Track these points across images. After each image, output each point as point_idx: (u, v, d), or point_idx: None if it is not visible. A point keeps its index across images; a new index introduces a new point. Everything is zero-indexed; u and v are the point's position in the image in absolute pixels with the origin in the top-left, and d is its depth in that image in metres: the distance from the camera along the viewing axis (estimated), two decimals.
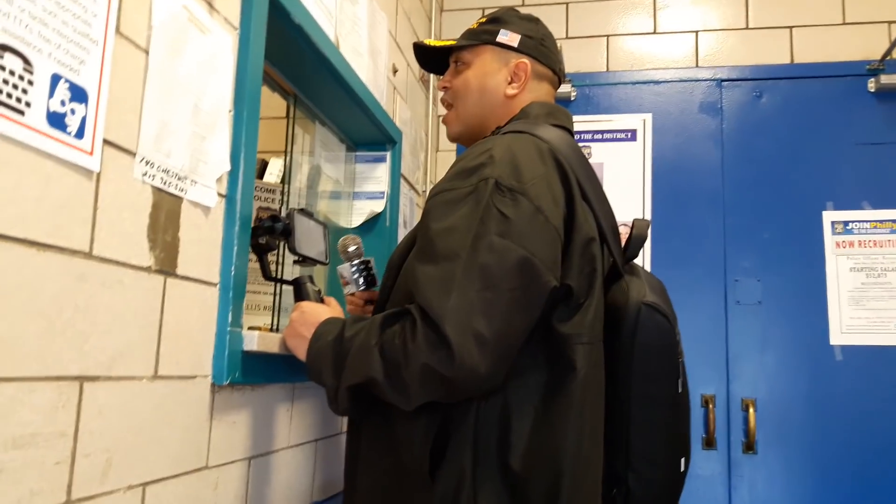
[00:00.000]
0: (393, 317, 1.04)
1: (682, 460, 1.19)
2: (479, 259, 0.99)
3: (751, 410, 2.33)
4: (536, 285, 1.00)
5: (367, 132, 2.00)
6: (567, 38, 2.70)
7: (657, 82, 2.61)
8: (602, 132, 2.62)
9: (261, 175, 2.36)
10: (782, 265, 2.42)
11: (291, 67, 1.60)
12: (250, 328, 1.47)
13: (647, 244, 2.51)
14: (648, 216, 2.53)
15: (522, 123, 1.20)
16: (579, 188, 1.12)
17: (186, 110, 1.08)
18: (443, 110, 1.40)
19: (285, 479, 1.43)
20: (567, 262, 1.06)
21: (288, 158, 1.80)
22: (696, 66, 2.60)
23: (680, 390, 1.16)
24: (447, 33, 2.79)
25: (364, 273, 1.37)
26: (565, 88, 2.61)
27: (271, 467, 1.37)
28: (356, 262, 1.38)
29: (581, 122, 2.63)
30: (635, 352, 1.11)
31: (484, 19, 1.33)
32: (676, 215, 2.52)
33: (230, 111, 1.21)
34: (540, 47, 1.29)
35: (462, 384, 0.96)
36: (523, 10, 1.36)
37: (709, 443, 2.36)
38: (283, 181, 2.02)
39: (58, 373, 0.83)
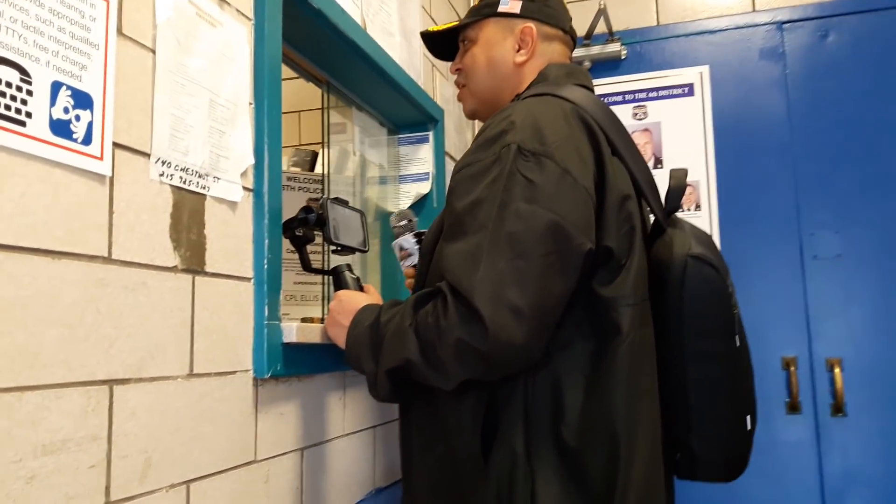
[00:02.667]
0: (425, 297, 1.02)
1: (748, 418, 1.13)
2: (507, 227, 0.95)
3: (836, 371, 2.20)
4: (570, 249, 0.96)
5: (406, 114, 1.97)
6: None
7: (712, 32, 2.47)
8: (657, 89, 2.50)
9: (312, 167, 2.37)
10: (862, 215, 2.26)
11: (319, 54, 1.58)
12: (303, 319, 1.49)
13: (714, 201, 2.40)
14: (712, 172, 2.41)
15: (543, 86, 1.15)
16: (609, 145, 1.07)
17: (202, 106, 1.07)
18: None
19: (343, 468, 1.43)
20: (603, 223, 1.02)
21: (325, 146, 1.79)
22: (753, 10, 2.45)
23: (738, 344, 1.09)
24: None
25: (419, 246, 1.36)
26: (614, 48, 2.50)
27: (326, 456, 1.37)
28: (414, 232, 1.36)
29: (634, 81, 2.53)
30: (685, 307, 1.06)
31: None
32: (743, 169, 2.39)
33: (251, 104, 1.20)
34: (544, 8, 1.25)
35: (499, 358, 0.93)
36: None
37: (793, 407, 2.24)
38: (319, 170, 2.02)
39: (84, 378, 0.84)
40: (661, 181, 2.39)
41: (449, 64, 1.36)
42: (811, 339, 2.26)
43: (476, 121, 2.61)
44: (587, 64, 2.54)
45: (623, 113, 2.52)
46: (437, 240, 1.11)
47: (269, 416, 1.19)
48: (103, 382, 0.86)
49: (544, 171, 0.98)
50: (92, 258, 0.86)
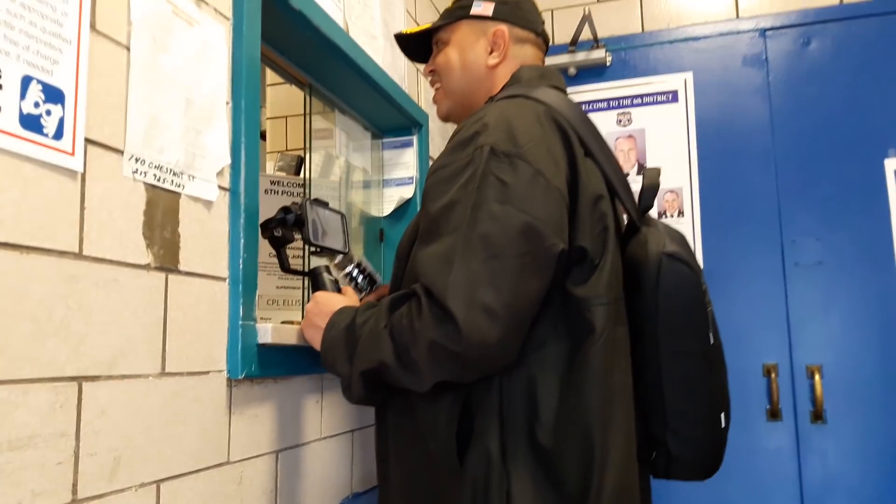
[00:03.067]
0: (400, 299, 1.02)
1: (722, 416, 1.13)
2: (480, 229, 0.95)
3: (817, 377, 2.20)
4: (543, 250, 0.96)
5: (390, 118, 1.97)
6: (599, 1, 2.60)
7: (696, 38, 2.49)
8: (641, 96, 2.52)
9: (297, 171, 2.37)
10: (843, 222, 2.27)
11: (301, 56, 1.58)
12: (283, 322, 1.48)
13: (697, 207, 2.41)
14: (696, 179, 2.42)
15: (516, 88, 1.16)
16: (582, 146, 1.08)
17: (178, 105, 1.07)
18: None
19: (319, 471, 1.43)
20: (576, 223, 1.02)
21: (308, 149, 1.79)
22: (737, 17, 2.47)
23: (712, 342, 1.10)
24: None
25: (361, 276, 1.35)
26: (599, 54, 2.52)
27: (302, 460, 1.37)
28: (348, 270, 1.35)
29: (619, 88, 2.54)
30: (660, 305, 1.07)
31: None
32: (725, 175, 2.40)
33: (228, 103, 1.20)
34: (516, 11, 1.26)
35: (473, 358, 0.93)
36: None
37: (773, 414, 2.24)
38: (301, 173, 2.02)
39: (53, 374, 0.83)
40: None
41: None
42: (792, 345, 2.26)
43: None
44: (572, 70, 2.55)
45: (607, 119, 2.54)
46: (413, 243, 1.11)
47: (243, 417, 1.19)
48: (72, 379, 0.86)
49: (517, 172, 0.98)
50: (62, 254, 0.85)
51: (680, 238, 1.13)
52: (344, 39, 1.59)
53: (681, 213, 2.42)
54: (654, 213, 2.44)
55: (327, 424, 1.47)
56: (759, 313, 2.31)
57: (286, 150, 2.67)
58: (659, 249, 1.07)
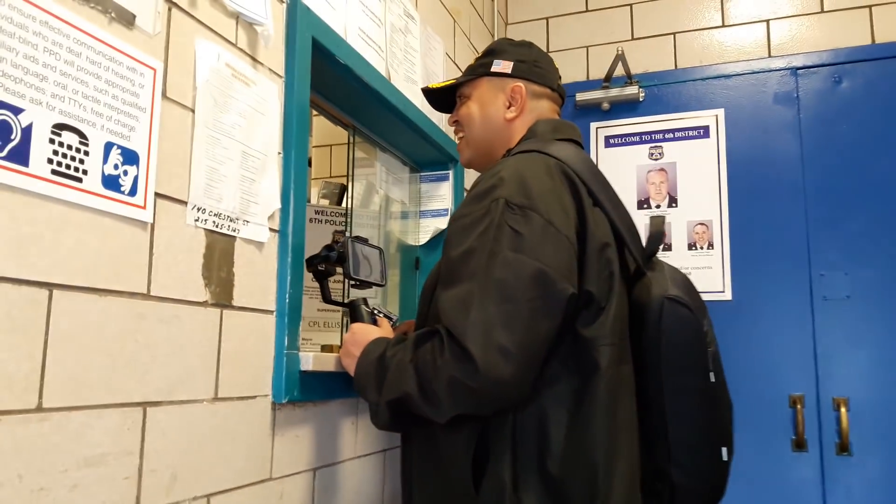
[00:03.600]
0: (425, 336, 1.12)
1: (724, 450, 1.20)
2: (495, 275, 1.05)
3: (843, 410, 2.24)
4: (553, 294, 1.05)
5: (427, 154, 2.09)
6: (633, 39, 2.69)
7: (728, 76, 2.55)
8: (673, 131, 2.59)
9: (340, 199, 2.50)
10: (871, 257, 2.31)
11: (346, 103, 1.70)
12: (323, 347, 1.60)
13: (727, 241, 2.47)
14: (726, 212, 2.48)
15: (531, 143, 1.26)
16: (591, 196, 1.17)
17: (235, 157, 1.20)
18: None
19: (354, 488, 1.54)
20: (584, 269, 1.11)
21: (350, 184, 1.92)
22: (769, 55, 2.53)
23: (713, 380, 1.17)
24: None
25: (379, 314, 1.43)
26: (632, 90, 2.60)
27: (338, 477, 1.48)
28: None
29: (651, 123, 2.62)
30: (662, 345, 1.16)
31: (481, 54, 1.41)
32: (755, 210, 2.46)
33: (279, 153, 1.32)
34: (534, 69, 1.36)
35: (488, 393, 1.02)
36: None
37: (799, 444, 2.28)
38: (343, 204, 2.15)
39: (122, 400, 0.96)
40: (676, 220, 2.48)
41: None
42: (818, 378, 2.30)
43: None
44: (606, 105, 2.64)
45: (640, 152, 2.62)
46: (436, 284, 1.21)
47: (285, 437, 1.30)
48: (138, 405, 0.98)
49: (530, 222, 1.08)
50: (133, 295, 0.98)
51: (683, 282, 1.21)
52: (385, 87, 1.71)
53: (710, 246, 2.48)
54: (684, 243, 2.51)
55: (362, 444, 1.58)
56: (786, 345, 2.35)
57: (330, 176, 2.82)
58: (661, 293, 1.16)
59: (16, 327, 0.82)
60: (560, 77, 1.41)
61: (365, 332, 1.30)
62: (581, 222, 1.13)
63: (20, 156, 0.83)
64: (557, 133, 1.31)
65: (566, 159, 1.19)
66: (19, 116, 0.83)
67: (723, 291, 2.45)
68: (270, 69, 1.31)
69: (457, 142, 1.45)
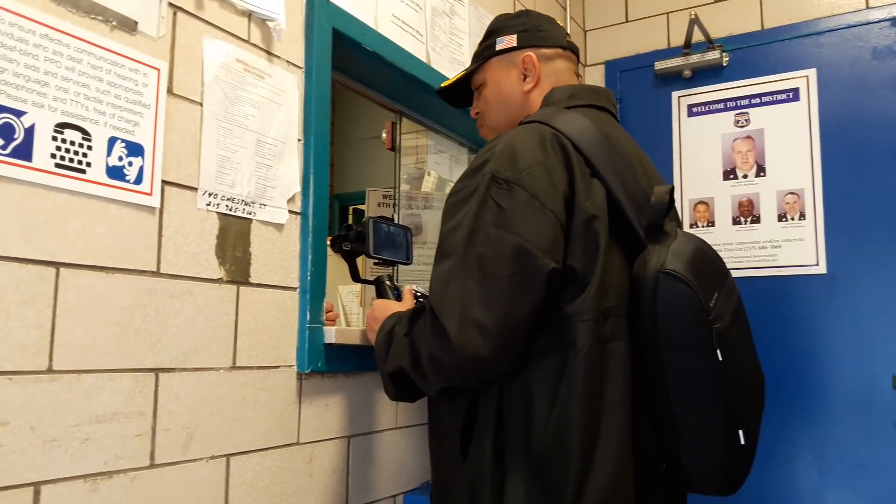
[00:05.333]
0: (418, 311, 1.16)
1: (741, 432, 1.14)
2: (475, 250, 1.06)
3: None
4: (533, 269, 1.04)
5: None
6: (715, 1, 2.55)
7: (820, 33, 2.37)
8: (760, 95, 2.44)
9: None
10: None
11: (386, 88, 1.77)
12: None
13: (820, 210, 2.30)
14: (819, 180, 2.31)
15: (538, 112, 1.24)
16: (589, 167, 1.14)
17: (248, 145, 1.29)
18: None
19: (393, 458, 1.61)
20: (569, 244, 1.09)
21: (397, 167, 1.98)
22: (867, 6, 2.31)
23: (721, 359, 1.11)
24: (590, 20, 2.79)
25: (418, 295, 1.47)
26: (714, 55, 2.47)
27: (375, 446, 1.55)
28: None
29: (736, 88, 2.49)
30: (659, 322, 1.09)
31: (482, 39, 1.40)
32: (852, 177, 2.27)
33: (299, 140, 1.41)
34: (537, 34, 1.33)
35: (466, 369, 1.05)
36: None
37: None
38: (426, 187, 2.22)
39: (133, 365, 1.08)
40: (765, 190, 2.35)
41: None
42: None
43: None
44: (687, 73, 2.53)
45: (725, 120, 2.49)
46: None
47: (312, 405, 1.39)
48: (150, 370, 1.10)
49: (514, 197, 1.08)
50: (141, 272, 1.10)
51: (691, 254, 1.12)
52: (425, 71, 1.75)
53: (802, 216, 2.33)
54: (773, 214, 2.37)
55: (403, 416, 1.65)
56: (889, 321, 2.16)
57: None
58: (656, 268, 1.10)
59: (25, 300, 0.95)
60: (568, 33, 1.38)
61: (385, 307, 1.36)
62: (571, 195, 1.11)
63: (23, 152, 0.96)
64: (573, 100, 1.27)
65: (567, 129, 1.16)
66: (21, 118, 0.96)
67: (816, 265, 2.29)
68: (288, 61, 1.40)
69: (480, 132, 1.45)
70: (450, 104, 1.53)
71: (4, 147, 0.94)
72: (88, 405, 1.02)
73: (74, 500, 0.99)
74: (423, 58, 1.78)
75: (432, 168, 2.02)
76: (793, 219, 2.34)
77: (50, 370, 0.98)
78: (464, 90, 1.45)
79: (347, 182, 3.50)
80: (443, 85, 1.48)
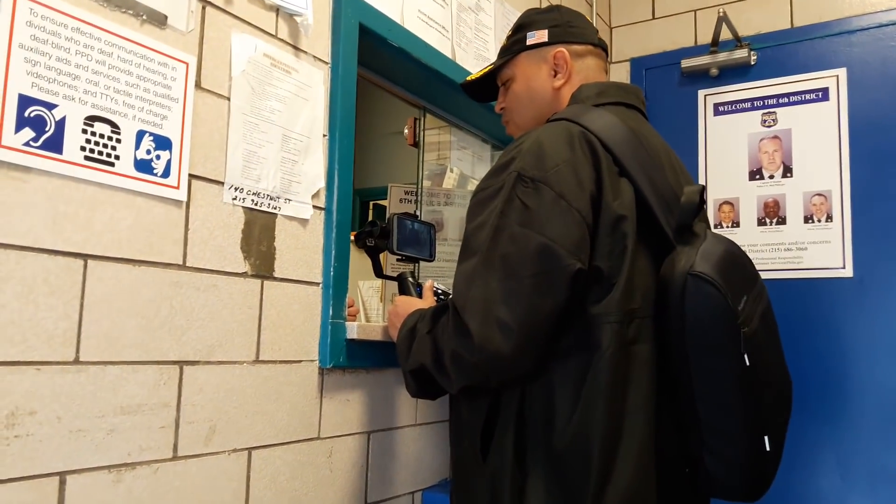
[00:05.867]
0: (441, 309, 1.16)
1: (766, 438, 1.12)
2: (500, 249, 1.06)
3: None
4: (558, 269, 1.03)
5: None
6: None
7: (851, 32, 2.33)
8: (788, 95, 2.41)
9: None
10: None
11: (410, 84, 1.76)
12: None
13: (847, 212, 2.26)
14: (847, 182, 2.27)
15: (567, 110, 1.22)
16: (618, 166, 1.13)
17: (274, 140, 1.30)
18: None
19: (413, 454, 1.61)
20: (596, 244, 1.08)
21: (420, 163, 1.98)
22: None
23: (748, 363, 1.09)
24: (616, 18, 2.76)
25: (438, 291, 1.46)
26: (742, 54, 2.44)
27: (395, 442, 1.56)
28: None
29: (764, 87, 2.45)
30: (686, 325, 1.08)
31: (510, 32, 1.38)
32: (882, 178, 2.23)
33: (325, 135, 1.41)
34: (569, 30, 1.31)
35: (488, 368, 1.04)
36: None
37: None
38: (447, 184, 2.21)
39: (158, 358, 1.08)
40: (791, 191, 2.31)
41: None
42: None
43: None
44: (714, 71, 2.50)
45: (751, 120, 2.46)
46: None
47: (334, 400, 1.40)
48: (174, 363, 1.11)
49: (540, 196, 1.07)
50: (167, 265, 1.11)
51: (720, 256, 1.10)
52: (450, 67, 1.74)
53: (829, 218, 2.29)
54: (799, 216, 2.34)
55: (423, 412, 1.65)
56: None
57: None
58: (685, 269, 1.08)
59: (53, 291, 0.96)
60: (597, 30, 1.37)
61: (407, 304, 1.36)
62: (598, 195, 1.10)
63: (54, 144, 0.97)
64: (602, 97, 1.26)
65: (595, 126, 1.15)
66: (53, 111, 0.97)
67: (843, 267, 2.25)
68: (315, 56, 1.40)
69: (506, 129, 1.43)
70: (473, 99, 1.51)
71: (36, 139, 0.95)
72: (114, 396, 1.03)
73: (99, 490, 1.00)
74: (448, 54, 1.78)
75: (455, 164, 2.02)
76: (819, 220, 2.31)
77: (77, 361, 0.98)
78: (489, 84, 1.44)
79: (368, 177, 3.50)
80: (469, 78, 1.47)
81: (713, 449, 1.12)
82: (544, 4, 2.31)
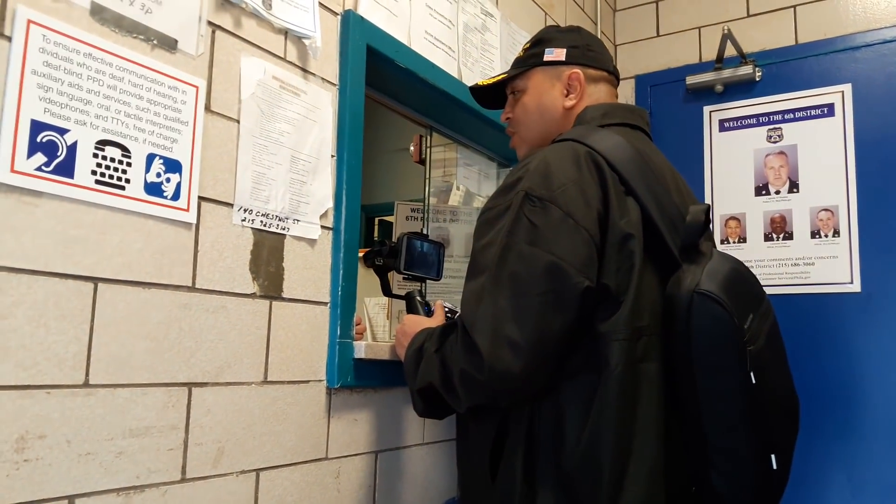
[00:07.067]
0: (449, 328, 1.16)
1: (773, 457, 1.12)
2: (509, 268, 1.06)
3: None
4: (567, 288, 1.04)
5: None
6: (748, 16, 2.53)
7: (856, 48, 2.33)
8: (794, 111, 2.41)
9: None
10: None
11: (418, 104, 1.77)
12: None
13: (854, 228, 2.26)
14: (853, 197, 2.27)
15: (573, 130, 1.23)
16: (624, 185, 1.13)
17: (283, 162, 1.30)
18: None
19: (421, 474, 1.60)
20: (603, 262, 1.08)
21: (427, 181, 1.99)
22: None
23: (755, 381, 1.09)
24: (620, 35, 2.78)
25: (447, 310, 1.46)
26: (746, 70, 2.45)
27: (403, 461, 1.55)
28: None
29: (769, 103, 2.46)
30: (692, 343, 1.08)
31: (528, 45, 1.39)
32: (889, 193, 2.23)
33: (333, 156, 1.42)
34: (587, 53, 1.32)
35: (497, 387, 1.04)
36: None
37: None
38: (453, 201, 2.22)
39: (167, 380, 1.09)
40: (798, 206, 2.31)
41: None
42: None
43: None
44: (719, 87, 2.51)
45: (757, 136, 2.46)
46: None
47: (341, 420, 1.40)
48: (183, 385, 1.11)
49: (548, 214, 1.08)
50: (177, 287, 1.11)
51: (726, 274, 1.11)
52: (456, 87, 1.75)
53: (836, 233, 2.29)
54: (806, 231, 2.33)
55: (430, 432, 1.65)
56: None
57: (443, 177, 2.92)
58: (691, 288, 1.09)
59: (63, 315, 0.96)
60: (612, 58, 1.38)
61: (415, 323, 1.36)
62: (605, 213, 1.11)
63: (66, 169, 0.98)
64: (607, 118, 1.27)
65: (601, 147, 1.16)
66: (64, 136, 0.98)
67: (850, 283, 2.25)
68: (323, 78, 1.41)
69: (510, 140, 1.44)
70: (479, 104, 1.52)
71: (48, 164, 0.95)
72: (123, 419, 1.03)
73: None
74: (454, 73, 1.79)
75: (461, 182, 2.02)
76: (826, 236, 2.30)
77: (86, 384, 0.99)
78: (498, 92, 1.45)
79: (374, 193, 3.52)
80: (480, 83, 1.47)
81: (719, 467, 1.12)
82: (549, 23, 2.32)
